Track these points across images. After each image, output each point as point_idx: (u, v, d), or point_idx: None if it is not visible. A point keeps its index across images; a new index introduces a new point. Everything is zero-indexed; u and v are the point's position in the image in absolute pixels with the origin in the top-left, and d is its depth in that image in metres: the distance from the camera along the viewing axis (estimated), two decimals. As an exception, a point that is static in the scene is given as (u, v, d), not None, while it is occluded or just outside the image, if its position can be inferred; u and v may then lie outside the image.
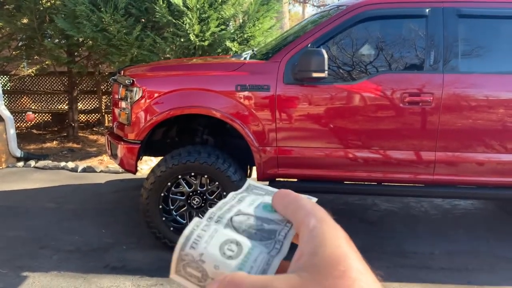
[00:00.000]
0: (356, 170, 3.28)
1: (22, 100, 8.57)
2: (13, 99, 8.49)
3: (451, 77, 3.16)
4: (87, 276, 3.01)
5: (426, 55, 3.21)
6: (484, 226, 4.05)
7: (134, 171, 3.39)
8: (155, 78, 3.40)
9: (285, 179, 3.39)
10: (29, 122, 7.95)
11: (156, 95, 3.27)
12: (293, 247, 0.38)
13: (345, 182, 3.38)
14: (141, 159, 3.77)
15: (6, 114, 5.72)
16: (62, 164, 5.62)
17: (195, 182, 3.26)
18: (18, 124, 8.06)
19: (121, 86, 3.45)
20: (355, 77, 3.24)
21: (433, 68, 3.18)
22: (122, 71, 3.61)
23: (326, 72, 2.97)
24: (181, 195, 3.30)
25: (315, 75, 2.97)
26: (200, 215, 3.35)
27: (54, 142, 7.24)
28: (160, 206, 3.26)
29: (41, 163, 5.69)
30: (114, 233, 3.70)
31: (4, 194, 4.66)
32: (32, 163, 5.71)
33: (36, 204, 4.36)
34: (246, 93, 3.19)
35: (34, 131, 8.08)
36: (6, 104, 8.33)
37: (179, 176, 3.23)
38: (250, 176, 3.99)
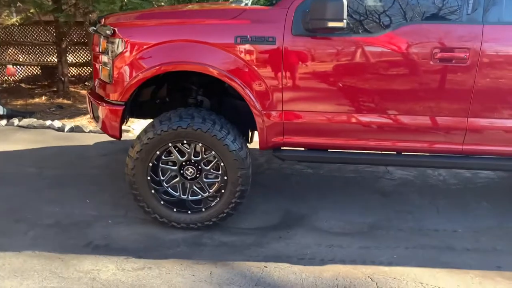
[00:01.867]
0: (377, 139, 2.85)
1: (9, 51, 7.99)
2: (0, 50, 7.92)
3: (493, 28, 2.65)
4: (65, 257, 2.65)
5: (462, 2, 2.68)
6: (510, 198, 3.66)
7: (118, 136, 2.96)
8: (140, 27, 2.88)
9: (291, 148, 2.96)
10: (11, 77, 7.41)
11: (142, 47, 2.77)
12: None
13: (362, 151, 2.96)
14: (126, 122, 3.33)
15: (-15, 67, 5.22)
16: (48, 123, 5.18)
17: (188, 150, 2.83)
18: (5, 78, 7.56)
19: (102, 37, 2.95)
20: (377, 28, 2.73)
21: (471, 18, 2.66)
22: (103, 20, 3.09)
23: (345, 21, 2.46)
24: (173, 165, 2.88)
25: (331, 24, 2.46)
26: (195, 186, 2.99)
27: (43, 98, 6.76)
28: (148, 177, 2.85)
29: (25, 121, 5.24)
30: (99, 204, 3.32)
31: (-17, 156, 4.26)
32: (16, 121, 5.26)
33: (16, 169, 3.96)
34: (247, 46, 2.69)
35: (23, 85, 7.58)
36: (-8, 56, 7.80)
37: (170, 144, 2.79)
38: (251, 141, 3.55)
